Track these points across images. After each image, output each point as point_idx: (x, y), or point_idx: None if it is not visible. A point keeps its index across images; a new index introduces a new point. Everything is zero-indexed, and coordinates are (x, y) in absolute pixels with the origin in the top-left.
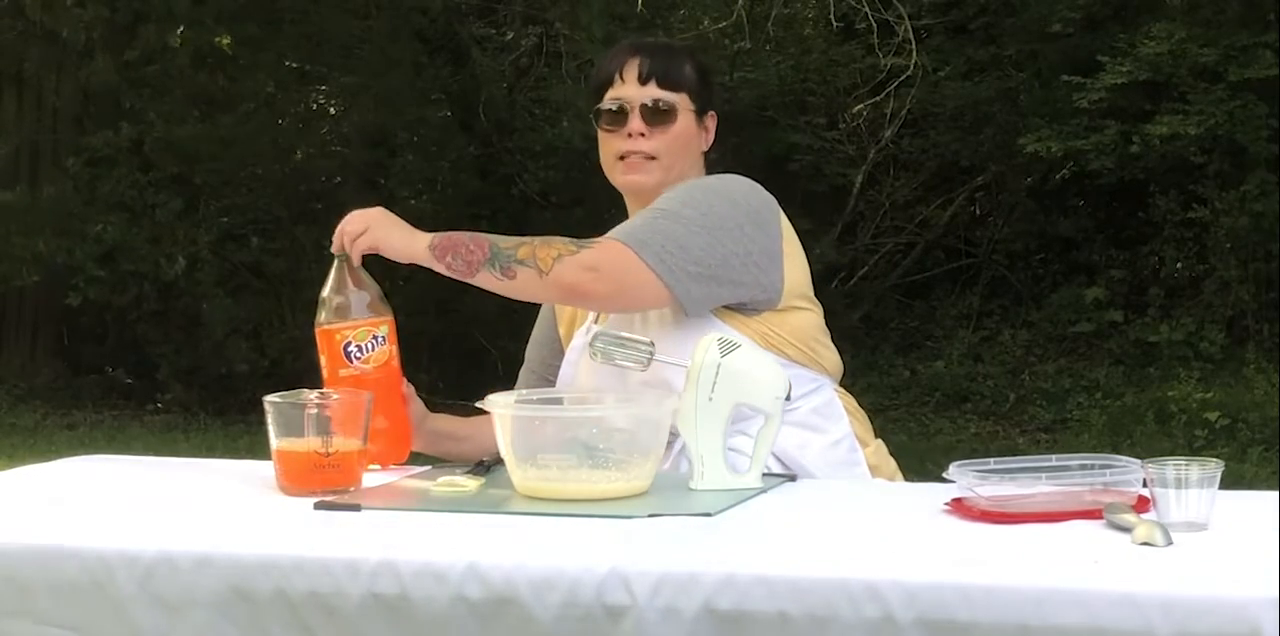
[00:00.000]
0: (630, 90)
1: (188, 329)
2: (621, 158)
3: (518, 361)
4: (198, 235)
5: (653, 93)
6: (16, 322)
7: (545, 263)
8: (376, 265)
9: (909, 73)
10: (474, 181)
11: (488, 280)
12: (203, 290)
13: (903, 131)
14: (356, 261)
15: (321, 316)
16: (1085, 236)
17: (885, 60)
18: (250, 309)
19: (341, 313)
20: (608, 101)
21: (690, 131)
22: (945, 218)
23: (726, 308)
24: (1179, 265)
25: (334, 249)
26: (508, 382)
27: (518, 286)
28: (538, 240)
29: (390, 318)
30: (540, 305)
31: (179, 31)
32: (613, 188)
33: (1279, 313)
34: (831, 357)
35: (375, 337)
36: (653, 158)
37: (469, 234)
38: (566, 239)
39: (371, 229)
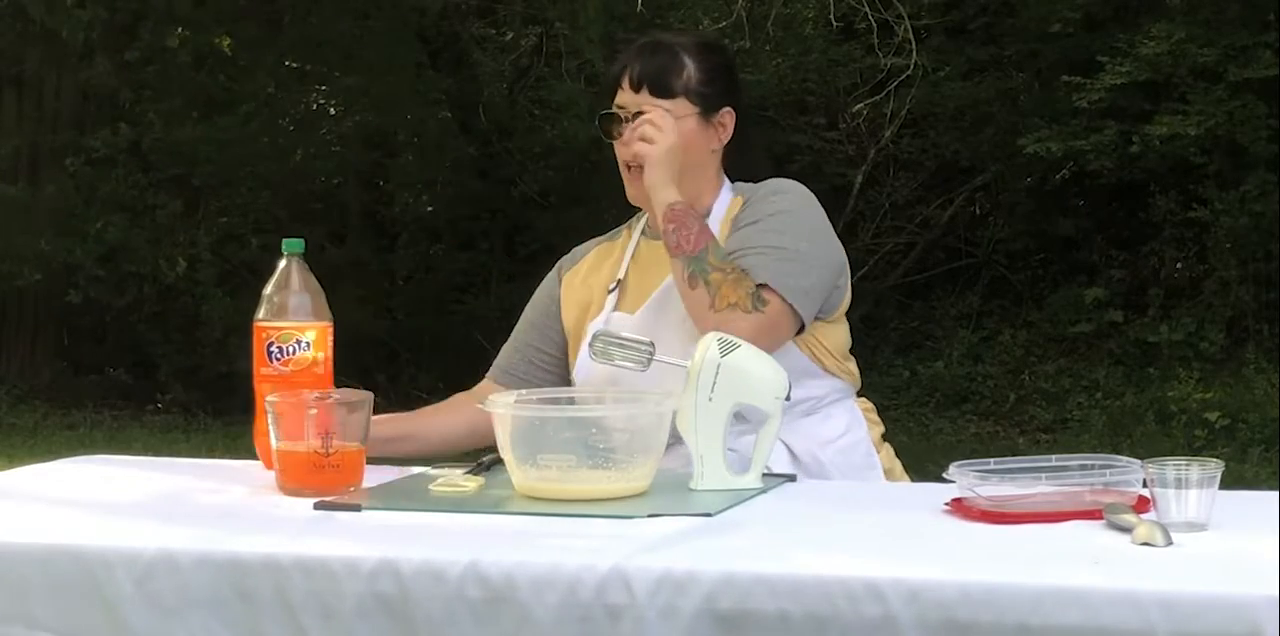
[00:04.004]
0: (626, 97)
1: (187, 329)
2: (629, 167)
3: None
4: (198, 236)
5: (645, 100)
6: (17, 323)
7: (721, 301)
8: (370, 264)
9: (909, 73)
10: (474, 182)
11: (676, 270)
12: (202, 290)
13: (903, 131)
14: (633, 136)
15: (259, 312)
16: (1085, 236)
17: (885, 60)
18: (250, 309)
19: (273, 311)
20: (613, 107)
21: (688, 137)
22: (945, 218)
23: None
24: (1179, 265)
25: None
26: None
27: (688, 296)
28: (737, 272)
29: (324, 324)
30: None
31: (178, 32)
32: (612, 187)
33: (1279, 312)
34: (854, 370)
35: (299, 341)
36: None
37: (703, 222)
38: (751, 289)
39: (655, 158)
